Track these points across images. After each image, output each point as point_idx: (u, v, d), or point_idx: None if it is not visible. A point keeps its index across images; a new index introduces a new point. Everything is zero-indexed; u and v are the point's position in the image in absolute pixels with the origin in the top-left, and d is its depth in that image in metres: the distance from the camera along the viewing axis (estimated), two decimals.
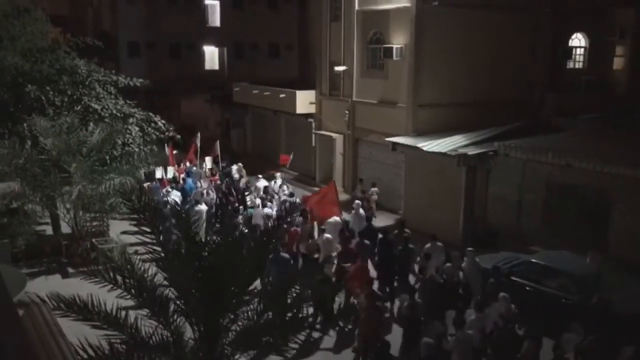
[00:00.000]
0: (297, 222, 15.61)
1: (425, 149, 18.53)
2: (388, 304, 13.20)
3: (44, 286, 12.67)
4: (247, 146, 33.73)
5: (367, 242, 14.53)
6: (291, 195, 18.92)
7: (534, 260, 13.59)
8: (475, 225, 18.36)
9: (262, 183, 20.51)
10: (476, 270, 13.01)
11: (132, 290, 7.50)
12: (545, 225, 16.64)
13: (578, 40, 25.16)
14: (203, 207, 17.55)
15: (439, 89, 20.78)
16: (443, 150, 18.07)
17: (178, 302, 7.60)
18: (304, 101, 26.57)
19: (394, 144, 20.25)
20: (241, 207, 18.79)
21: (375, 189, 20.12)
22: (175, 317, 7.56)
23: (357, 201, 17.86)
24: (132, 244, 16.15)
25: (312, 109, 26.41)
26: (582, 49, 25.28)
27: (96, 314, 7.39)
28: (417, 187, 20.08)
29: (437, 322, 10.64)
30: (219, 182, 21.52)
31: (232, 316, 7.57)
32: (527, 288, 13.01)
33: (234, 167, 23.19)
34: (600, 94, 24.09)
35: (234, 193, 19.33)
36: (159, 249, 7.51)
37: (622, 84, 25.27)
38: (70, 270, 15.72)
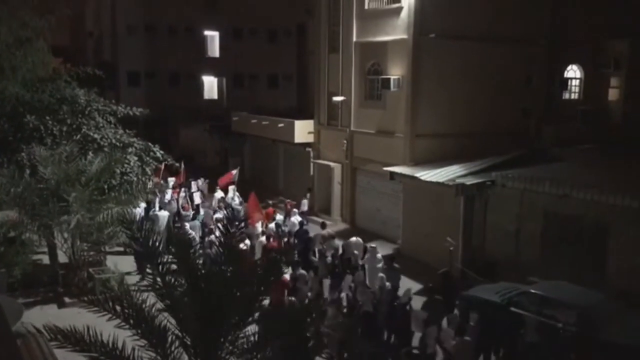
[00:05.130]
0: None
1: (423, 178, 18.60)
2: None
3: (41, 316, 12.57)
4: (245, 174, 33.76)
5: (295, 240, 17.89)
6: (240, 204, 22.31)
7: (532, 290, 13.53)
8: (473, 255, 18.32)
9: (218, 194, 23.75)
10: (373, 261, 16.04)
11: (131, 320, 7.45)
12: (544, 256, 16.60)
13: (573, 72, 25.45)
14: (165, 213, 19.84)
15: (437, 119, 20.94)
16: (441, 180, 18.13)
17: (176, 332, 7.55)
18: (303, 131, 26.73)
19: (392, 173, 20.31)
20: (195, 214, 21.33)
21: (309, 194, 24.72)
22: (173, 348, 7.51)
23: (294, 209, 21.22)
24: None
25: (310, 139, 26.55)
26: (578, 80, 25.57)
27: (93, 344, 7.32)
28: (415, 216, 20.09)
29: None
30: (182, 194, 23.70)
31: (230, 347, 7.52)
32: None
33: (199, 182, 25.61)
34: (596, 124, 24.26)
35: (189, 203, 22.96)
36: (158, 278, 7.50)
37: (618, 114, 25.47)
38: (67, 300, 15.58)
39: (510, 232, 17.42)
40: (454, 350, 11.16)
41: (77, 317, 7.85)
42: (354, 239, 17.83)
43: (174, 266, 7.92)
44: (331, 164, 24.94)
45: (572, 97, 25.64)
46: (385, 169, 20.67)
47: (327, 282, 14.41)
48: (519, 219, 17.23)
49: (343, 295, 13.27)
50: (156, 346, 7.45)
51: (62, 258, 16.97)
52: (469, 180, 17.83)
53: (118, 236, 15.72)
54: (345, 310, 12.79)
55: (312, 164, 26.48)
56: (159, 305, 7.78)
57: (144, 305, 7.64)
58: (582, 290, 13.40)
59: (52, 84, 18.69)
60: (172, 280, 7.74)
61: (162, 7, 40.27)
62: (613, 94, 25.91)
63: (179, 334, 7.54)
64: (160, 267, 7.73)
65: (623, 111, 25.14)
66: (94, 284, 15.70)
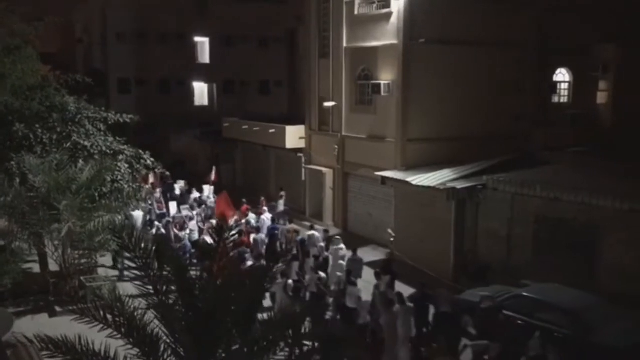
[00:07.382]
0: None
1: (414, 183, 18.63)
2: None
3: (31, 326, 12.47)
4: (236, 180, 33.75)
5: (263, 236, 19.16)
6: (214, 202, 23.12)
7: (525, 293, 13.58)
8: (465, 258, 18.35)
9: (194, 194, 25.19)
10: (337, 251, 17.02)
11: (122, 329, 7.40)
12: (536, 259, 16.66)
13: (562, 76, 25.62)
14: (139, 212, 20.56)
15: (427, 123, 21.01)
16: (432, 184, 18.17)
17: (169, 341, 7.50)
18: (294, 136, 26.72)
19: (384, 178, 20.35)
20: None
21: (282, 193, 25.47)
22: (165, 356, 7.46)
23: (265, 207, 22.12)
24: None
25: (301, 144, 26.56)
26: (567, 84, 25.74)
27: (85, 354, 7.27)
28: (407, 220, 20.12)
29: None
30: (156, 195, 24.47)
31: (223, 355, 7.48)
32: (519, 322, 12.97)
33: (181, 183, 27.20)
34: (585, 127, 24.43)
35: (163, 202, 24.16)
36: (149, 286, 7.46)
37: (607, 117, 25.67)
38: (58, 309, 15.49)
39: (502, 236, 17.48)
40: (383, 322, 12.70)
41: (68, 326, 7.77)
42: (315, 232, 18.95)
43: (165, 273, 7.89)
44: (323, 169, 24.96)
45: (562, 100, 25.79)
46: (376, 173, 20.71)
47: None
48: (511, 222, 17.29)
49: (290, 281, 14.60)
50: (148, 355, 7.40)
51: (53, 266, 16.89)
52: (460, 185, 17.89)
53: (109, 244, 15.65)
54: (291, 293, 14.38)
55: (303, 170, 26.48)
56: (151, 313, 7.74)
57: (135, 314, 7.60)
58: (574, 292, 13.47)
59: (42, 91, 18.60)
60: (162, 284, 7.69)
61: (152, 14, 40.14)
62: (602, 97, 26.13)
63: (171, 343, 7.49)
64: (150, 273, 7.68)
65: (612, 114, 25.35)
66: (85, 292, 15.59)
